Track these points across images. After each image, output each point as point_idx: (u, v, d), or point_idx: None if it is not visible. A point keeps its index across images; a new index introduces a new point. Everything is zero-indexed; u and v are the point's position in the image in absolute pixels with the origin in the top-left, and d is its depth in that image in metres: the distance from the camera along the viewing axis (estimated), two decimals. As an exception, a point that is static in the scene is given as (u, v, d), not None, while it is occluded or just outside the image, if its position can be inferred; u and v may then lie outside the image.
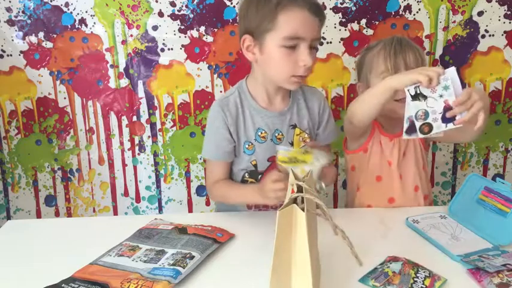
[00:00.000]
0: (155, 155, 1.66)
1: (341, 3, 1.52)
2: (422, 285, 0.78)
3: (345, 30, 1.55)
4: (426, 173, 1.25)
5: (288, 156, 0.93)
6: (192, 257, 0.85)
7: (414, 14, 1.53)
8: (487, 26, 1.55)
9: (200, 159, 1.66)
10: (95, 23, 1.53)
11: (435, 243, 0.94)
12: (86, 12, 1.52)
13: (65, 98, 1.60)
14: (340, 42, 1.55)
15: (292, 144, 1.15)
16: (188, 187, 1.69)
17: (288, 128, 1.15)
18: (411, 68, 1.13)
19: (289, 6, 1.00)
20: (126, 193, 1.69)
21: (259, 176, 1.16)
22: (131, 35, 1.54)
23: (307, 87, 1.21)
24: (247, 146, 1.14)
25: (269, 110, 1.14)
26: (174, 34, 1.54)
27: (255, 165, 1.15)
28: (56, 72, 1.57)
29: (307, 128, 1.17)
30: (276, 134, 1.14)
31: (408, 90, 0.97)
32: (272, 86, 1.12)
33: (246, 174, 1.16)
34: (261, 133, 1.13)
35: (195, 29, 1.53)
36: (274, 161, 1.15)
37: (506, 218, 0.96)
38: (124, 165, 1.67)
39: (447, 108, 0.94)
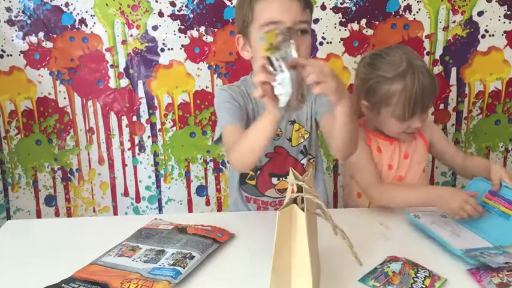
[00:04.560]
0: (155, 155, 1.66)
1: (341, 3, 1.52)
2: (422, 285, 0.78)
3: (345, 30, 1.55)
4: (426, 174, 1.26)
5: (267, 41, 0.80)
6: (192, 257, 0.85)
7: (414, 14, 1.53)
8: (487, 26, 1.55)
9: (200, 159, 1.66)
10: (95, 23, 1.53)
11: (436, 237, 0.93)
12: (86, 12, 1.52)
13: (65, 98, 1.60)
14: (340, 42, 1.55)
15: (290, 140, 1.15)
16: (188, 187, 1.69)
17: (287, 123, 1.15)
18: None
19: None
20: (126, 193, 1.69)
21: (258, 171, 1.16)
22: (131, 35, 1.54)
23: None
24: None
25: None
26: (174, 34, 1.54)
27: None
28: (56, 72, 1.57)
29: (307, 119, 1.16)
30: None
31: None
32: None
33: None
34: None
35: (195, 29, 1.53)
36: (272, 157, 1.15)
37: (509, 221, 0.96)
38: (124, 165, 1.67)
39: None
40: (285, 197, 1.18)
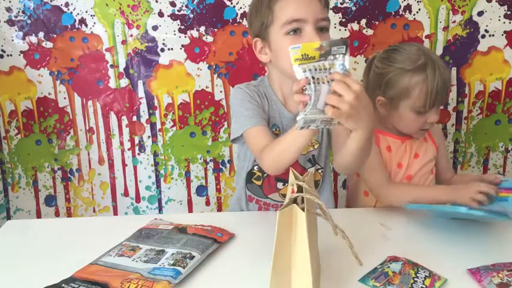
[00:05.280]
0: (155, 155, 1.66)
1: (341, 3, 1.52)
2: (422, 285, 0.78)
3: (345, 30, 1.55)
4: (434, 176, 1.26)
5: (300, 52, 0.76)
6: (192, 257, 0.85)
7: (414, 14, 1.54)
8: (487, 26, 1.55)
9: (200, 159, 1.66)
10: (95, 23, 1.53)
11: (438, 208, 0.95)
12: (86, 12, 1.52)
13: (65, 98, 1.60)
14: (340, 42, 1.55)
15: None
16: (188, 187, 1.69)
17: None
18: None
19: None
20: (126, 193, 1.69)
21: (265, 173, 1.16)
22: (131, 35, 1.54)
23: None
24: None
25: (287, 110, 1.12)
26: (174, 34, 1.54)
27: None
28: (56, 72, 1.57)
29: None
30: None
31: None
32: (287, 86, 1.09)
33: (256, 167, 1.15)
34: (275, 130, 1.12)
35: (195, 29, 1.53)
36: None
37: (508, 201, 0.97)
38: (124, 165, 1.67)
39: None
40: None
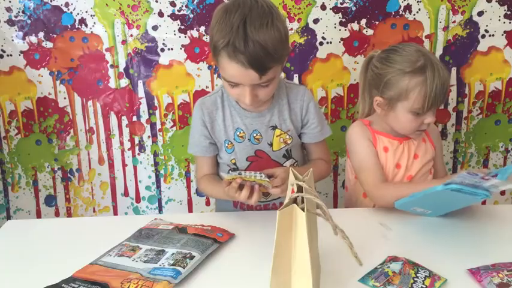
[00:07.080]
0: (155, 155, 1.66)
1: (341, 3, 1.52)
2: (422, 285, 0.78)
3: (345, 30, 1.55)
4: (432, 176, 1.26)
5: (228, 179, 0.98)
6: (192, 257, 0.85)
7: (414, 14, 1.54)
8: (487, 26, 1.55)
9: (200, 159, 1.66)
10: (95, 23, 1.53)
11: (423, 192, 0.93)
12: (86, 12, 1.52)
13: (65, 98, 1.60)
14: (340, 42, 1.55)
15: (271, 145, 1.15)
16: (188, 187, 1.69)
17: (267, 128, 1.14)
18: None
19: (224, 54, 0.97)
20: (126, 193, 1.69)
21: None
22: (131, 35, 1.54)
23: (292, 86, 1.18)
24: (227, 145, 1.16)
25: (248, 110, 1.14)
26: (174, 34, 1.54)
27: (235, 164, 1.17)
28: (56, 72, 1.58)
29: (290, 129, 1.16)
30: (254, 135, 1.14)
31: None
32: None
33: (230, 171, 1.17)
34: (240, 133, 1.14)
35: (195, 29, 1.53)
36: (253, 160, 1.16)
37: (497, 177, 0.95)
38: (124, 165, 1.67)
39: None
40: (268, 200, 1.20)
